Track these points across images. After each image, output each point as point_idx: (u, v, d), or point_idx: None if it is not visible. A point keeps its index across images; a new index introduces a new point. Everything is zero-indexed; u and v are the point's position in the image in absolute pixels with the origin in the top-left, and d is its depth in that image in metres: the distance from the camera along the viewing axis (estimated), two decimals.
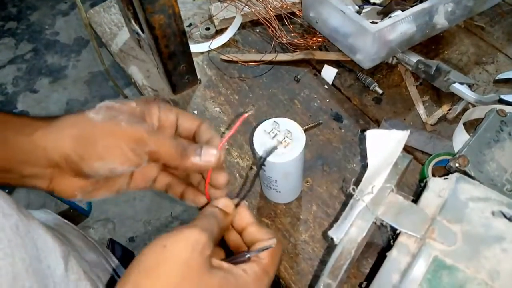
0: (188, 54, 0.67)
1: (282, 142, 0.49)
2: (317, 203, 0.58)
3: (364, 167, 0.61)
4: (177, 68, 0.68)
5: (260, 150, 0.49)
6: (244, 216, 0.39)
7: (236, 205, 0.39)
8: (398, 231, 0.40)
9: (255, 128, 0.51)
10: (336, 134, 0.65)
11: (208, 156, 0.39)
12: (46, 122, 0.37)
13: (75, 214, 1.70)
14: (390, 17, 0.69)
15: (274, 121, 0.50)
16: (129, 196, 1.70)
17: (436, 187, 0.42)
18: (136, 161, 0.37)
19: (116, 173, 0.37)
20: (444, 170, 0.58)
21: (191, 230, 0.32)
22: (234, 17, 0.79)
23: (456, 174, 0.43)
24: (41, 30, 2.36)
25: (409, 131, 0.43)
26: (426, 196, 0.42)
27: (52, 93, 2.10)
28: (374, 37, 0.63)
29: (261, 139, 0.49)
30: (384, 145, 0.43)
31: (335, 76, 0.72)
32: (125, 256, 0.70)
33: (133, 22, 0.73)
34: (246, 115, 0.38)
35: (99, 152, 0.35)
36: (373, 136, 0.44)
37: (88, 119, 0.36)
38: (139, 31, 0.72)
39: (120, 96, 2.02)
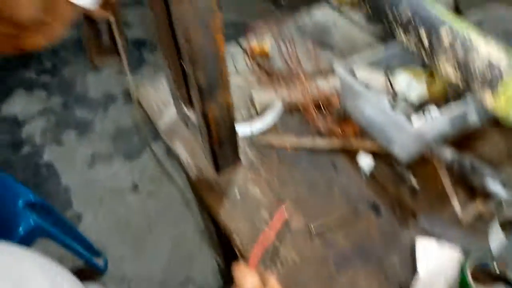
0: (234, 140, 0.72)
1: None
2: None
3: (405, 259, 0.62)
4: (223, 152, 0.72)
5: None
6: None
7: None
8: None
9: None
10: (375, 225, 0.67)
11: None
12: None
13: (91, 271, 1.70)
14: (425, 113, 0.73)
15: None
16: (146, 253, 1.70)
17: None
18: None
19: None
20: (484, 274, 0.59)
21: None
22: (274, 102, 0.84)
23: None
24: (72, 84, 2.48)
25: (460, 253, 0.45)
26: None
27: (78, 146, 2.16)
28: (411, 135, 0.67)
29: None
30: (435, 256, 0.45)
31: (372, 165, 0.75)
32: None
33: (183, 105, 0.79)
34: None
35: None
36: (423, 246, 0.46)
37: None
38: (189, 113, 0.78)
39: (147, 149, 2.08)
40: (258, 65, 0.94)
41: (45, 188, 2.00)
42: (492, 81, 0.34)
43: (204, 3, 0.50)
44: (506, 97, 0.34)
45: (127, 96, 2.36)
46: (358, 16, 1.05)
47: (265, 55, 0.96)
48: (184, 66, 0.61)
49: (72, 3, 0.50)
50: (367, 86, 0.78)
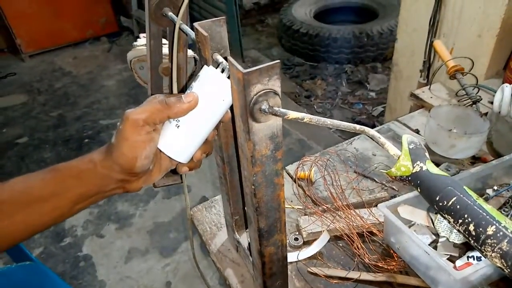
0: (285, 274, 0.76)
1: None
2: None
3: None
4: (274, 284, 0.77)
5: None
6: None
7: None
8: None
9: None
10: None
11: (189, 97, 0.56)
12: (93, 162, 0.55)
13: None
14: (468, 256, 0.77)
15: None
16: None
17: None
18: (148, 138, 0.54)
19: (149, 158, 0.56)
20: None
21: None
22: (320, 232, 0.90)
23: None
24: None
25: None
26: None
27: (117, 239, 2.24)
28: (455, 279, 0.70)
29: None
30: None
31: None
32: None
33: (235, 232, 0.85)
34: None
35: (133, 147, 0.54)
36: None
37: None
38: (240, 239, 0.84)
39: (181, 246, 2.12)
40: (304, 193, 1.02)
41: (82, 282, 2.04)
42: None
43: (273, 168, 0.59)
44: None
45: (167, 192, 2.48)
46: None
47: (311, 184, 1.04)
48: (247, 211, 0.69)
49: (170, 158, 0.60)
50: (410, 224, 0.84)
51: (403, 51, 1.84)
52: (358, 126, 0.57)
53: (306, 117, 0.56)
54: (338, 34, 3.54)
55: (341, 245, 0.90)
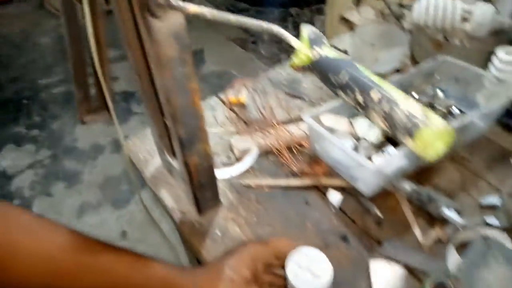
0: (214, 184, 0.79)
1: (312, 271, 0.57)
2: None
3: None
4: (204, 195, 0.80)
5: (294, 281, 0.57)
6: None
7: None
8: None
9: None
10: (344, 254, 0.74)
11: None
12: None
13: None
14: (383, 151, 0.82)
15: (305, 254, 0.59)
16: None
17: None
18: None
19: None
20: None
21: None
22: (251, 148, 0.93)
23: None
24: (61, 137, 2.55)
25: (405, 271, 0.52)
26: None
27: (67, 197, 2.20)
28: (372, 173, 0.75)
29: (294, 271, 0.58)
30: (387, 274, 0.52)
31: (340, 200, 0.83)
32: None
33: (167, 155, 0.86)
34: None
35: None
36: (376, 266, 0.53)
37: None
38: (172, 162, 0.85)
39: (135, 197, 2.12)
40: (236, 115, 1.04)
41: None
42: (411, 129, 0.43)
43: (182, 71, 0.59)
44: (422, 142, 0.42)
45: (115, 146, 2.44)
46: None
47: (242, 106, 1.05)
48: (166, 121, 0.70)
49: None
50: (332, 131, 0.88)
51: None
52: (265, 24, 0.58)
53: (208, 12, 0.56)
54: None
55: (271, 159, 0.94)
